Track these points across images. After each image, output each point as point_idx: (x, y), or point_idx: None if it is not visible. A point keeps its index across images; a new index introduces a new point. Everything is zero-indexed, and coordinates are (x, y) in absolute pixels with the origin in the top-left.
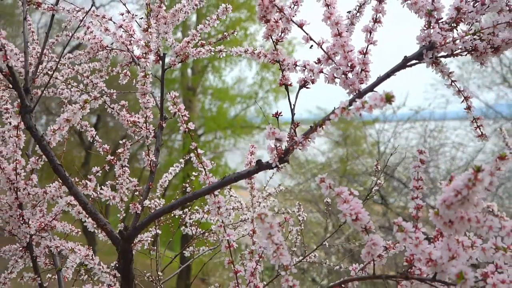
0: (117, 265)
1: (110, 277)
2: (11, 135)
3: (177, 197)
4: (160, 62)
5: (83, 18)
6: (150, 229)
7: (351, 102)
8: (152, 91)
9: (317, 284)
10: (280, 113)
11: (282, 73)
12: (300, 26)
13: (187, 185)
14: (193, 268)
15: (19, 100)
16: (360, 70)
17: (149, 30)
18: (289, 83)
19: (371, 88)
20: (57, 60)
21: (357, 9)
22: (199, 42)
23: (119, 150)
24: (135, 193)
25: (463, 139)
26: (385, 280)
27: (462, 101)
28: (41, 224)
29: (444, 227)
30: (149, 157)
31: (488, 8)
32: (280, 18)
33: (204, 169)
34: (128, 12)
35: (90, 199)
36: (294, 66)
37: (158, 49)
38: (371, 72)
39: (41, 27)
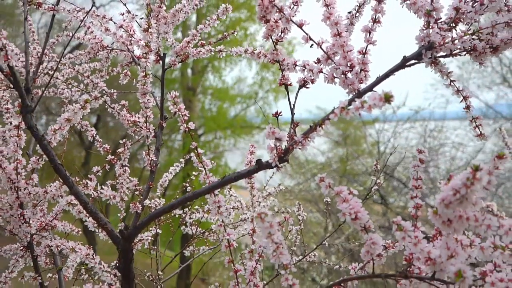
0: (117, 264)
1: (111, 276)
2: (12, 135)
3: (177, 196)
4: (160, 62)
5: (83, 18)
6: (150, 228)
7: (350, 102)
8: (152, 91)
9: (317, 284)
10: (280, 112)
11: (282, 73)
12: (300, 26)
13: (187, 184)
14: (193, 268)
15: (20, 100)
16: (359, 70)
17: (150, 30)
18: (288, 83)
19: (370, 88)
20: (58, 60)
21: (356, 9)
22: (199, 42)
23: (120, 150)
24: (135, 193)
25: (463, 139)
26: (384, 279)
27: (461, 100)
28: (41, 223)
29: (443, 226)
30: (149, 156)
31: (487, 8)
32: (280, 18)
33: (204, 168)
34: (129, 12)
35: (91, 198)
36: (294, 66)
37: (158, 49)
38: (370, 72)
39: (41, 27)
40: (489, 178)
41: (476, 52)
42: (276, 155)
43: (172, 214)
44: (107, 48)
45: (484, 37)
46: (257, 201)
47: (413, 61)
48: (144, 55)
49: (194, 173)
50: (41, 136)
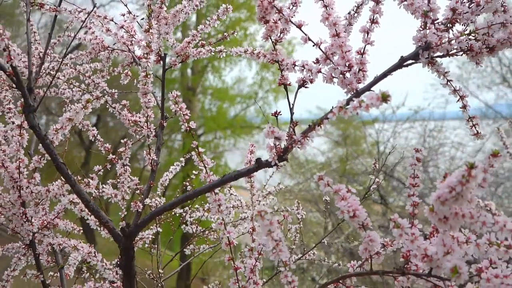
0: (119, 262)
1: (113, 273)
2: (15, 134)
3: (177, 196)
4: (161, 62)
5: (85, 19)
6: (151, 227)
7: (348, 101)
8: (153, 91)
9: (317, 283)
10: (279, 112)
11: (281, 73)
12: (299, 26)
13: (187, 184)
14: (193, 268)
15: (22, 100)
16: (357, 70)
17: (151, 30)
18: (288, 82)
19: (368, 88)
20: (60, 60)
21: (355, 10)
22: (199, 42)
23: (121, 149)
24: (136, 192)
25: (463, 139)
26: (382, 276)
27: (458, 100)
28: (43, 222)
29: (439, 223)
30: (150, 156)
31: (483, 9)
32: (279, 19)
33: (205, 167)
34: (129, 12)
35: (92, 197)
36: (293, 66)
37: (159, 49)
38: (368, 72)
39: (41, 27)
40: (484, 176)
41: (473, 52)
42: (275, 154)
43: (173, 213)
44: (108, 48)
45: (480, 37)
46: (257, 200)
47: (410, 61)
48: (145, 55)
49: (194, 172)
50: (43, 136)
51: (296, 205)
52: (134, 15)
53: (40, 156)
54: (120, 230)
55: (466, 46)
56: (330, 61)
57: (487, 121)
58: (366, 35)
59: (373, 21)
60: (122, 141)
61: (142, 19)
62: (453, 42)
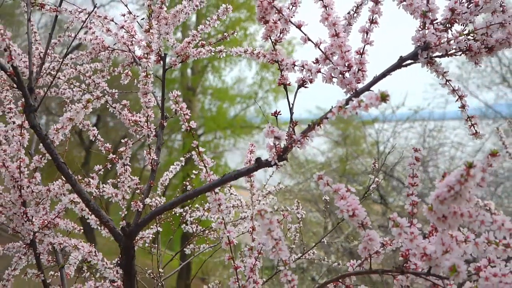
0: (119, 261)
1: (113, 272)
2: (15, 134)
3: (178, 195)
4: (161, 62)
5: (85, 19)
6: (151, 226)
7: (348, 101)
8: (153, 90)
9: (317, 283)
10: (279, 112)
11: (281, 72)
12: (298, 27)
13: (187, 183)
14: (193, 268)
15: (23, 100)
16: (357, 69)
17: (151, 30)
18: (287, 82)
19: (367, 88)
20: (60, 60)
21: (354, 10)
22: (199, 42)
23: (121, 149)
24: (136, 191)
25: (462, 139)
26: (381, 275)
27: (457, 100)
28: (44, 221)
29: (438, 222)
30: (150, 155)
31: (481, 9)
32: (279, 19)
33: (205, 166)
34: (130, 13)
35: (92, 197)
36: (293, 66)
37: (159, 49)
38: (367, 71)
39: (41, 27)
40: (482, 175)
41: (472, 52)
42: (275, 153)
43: (173, 213)
44: (109, 48)
45: (479, 37)
46: (256, 200)
47: (409, 61)
48: (145, 55)
49: (194, 171)
50: (44, 135)
51: (296, 205)
52: (134, 15)
53: (40, 156)
54: (120, 230)
55: (465, 46)
56: (330, 61)
57: (487, 121)
58: (365, 35)
59: (372, 21)
60: (122, 140)
61: (142, 19)
62: (452, 42)
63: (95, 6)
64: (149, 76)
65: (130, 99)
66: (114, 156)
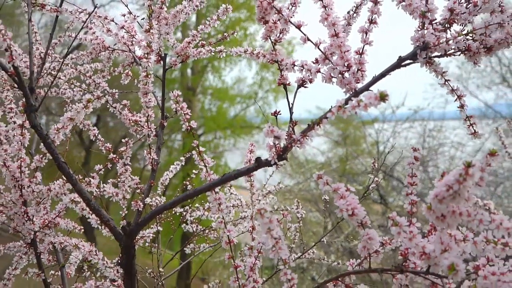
0: (119, 260)
1: (113, 271)
2: (16, 134)
3: (178, 195)
4: (161, 62)
5: (86, 20)
6: (151, 226)
7: (347, 101)
8: (153, 90)
9: (317, 283)
10: (279, 112)
11: (281, 72)
12: (298, 27)
13: (187, 183)
14: (193, 268)
15: (23, 100)
16: (356, 69)
17: (151, 31)
18: (287, 82)
19: (367, 87)
20: (61, 60)
21: (354, 10)
22: (200, 42)
23: (122, 148)
24: (137, 191)
25: (462, 139)
26: (380, 274)
27: (455, 100)
28: (45, 221)
29: (437, 221)
30: (150, 155)
31: (480, 9)
32: (279, 19)
33: (205, 166)
34: (130, 13)
35: (93, 196)
36: (292, 66)
37: (159, 49)
38: (367, 71)
39: (41, 27)
40: (481, 174)
41: (471, 52)
42: (275, 153)
43: (173, 212)
44: (109, 48)
45: (477, 37)
46: (256, 199)
47: (408, 61)
48: (146, 55)
49: (194, 171)
50: (45, 135)
51: (296, 204)
52: (134, 16)
53: (41, 156)
54: (121, 229)
55: (464, 46)
56: (329, 61)
57: (486, 121)
58: (364, 35)
59: (372, 22)
60: (123, 140)
61: (143, 19)
62: (450, 42)
63: (95, 7)
64: (149, 76)
65: (130, 99)
66: (114, 155)
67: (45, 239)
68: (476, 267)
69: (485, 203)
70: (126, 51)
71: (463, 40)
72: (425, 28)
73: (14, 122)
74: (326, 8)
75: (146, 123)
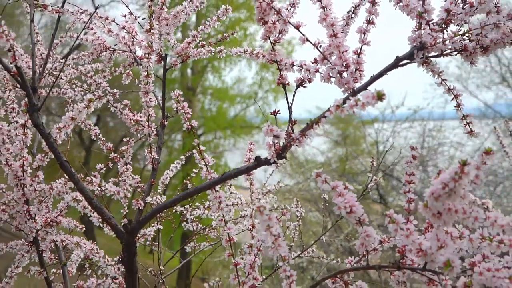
0: (121, 258)
1: (114, 269)
2: (18, 133)
3: (178, 193)
4: (162, 62)
5: (87, 20)
6: (152, 224)
7: (345, 100)
8: (154, 90)
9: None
10: (278, 111)
11: (280, 72)
12: (297, 27)
13: (187, 182)
14: (193, 267)
15: (26, 99)
16: (354, 69)
17: (152, 31)
18: (286, 82)
19: (364, 87)
20: (62, 60)
21: (352, 11)
22: (200, 42)
23: (123, 148)
24: (137, 190)
25: (462, 139)
26: (378, 271)
27: (452, 99)
28: (46, 219)
29: (433, 218)
30: (151, 154)
31: (476, 10)
32: (278, 20)
33: (206, 164)
34: (131, 13)
35: (94, 195)
36: (291, 66)
37: (160, 49)
38: (365, 71)
39: (41, 27)
40: (476, 172)
41: (467, 52)
42: (274, 151)
43: (173, 211)
44: (110, 49)
45: (474, 37)
46: (256, 198)
47: (405, 61)
48: (146, 55)
49: (194, 170)
50: (47, 134)
51: (295, 203)
52: (135, 16)
53: (43, 155)
54: (122, 227)
55: (460, 46)
56: (328, 61)
57: (486, 120)
58: (362, 35)
59: (370, 22)
60: (124, 140)
61: (143, 19)
62: (447, 42)
63: (96, 7)
64: (150, 76)
65: (130, 99)
66: (115, 155)
67: (47, 237)
68: (472, 263)
69: (483, 202)
70: (127, 51)
71: (460, 40)
72: (422, 28)
73: (17, 122)
74: (325, 9)
75: (147, 123)
